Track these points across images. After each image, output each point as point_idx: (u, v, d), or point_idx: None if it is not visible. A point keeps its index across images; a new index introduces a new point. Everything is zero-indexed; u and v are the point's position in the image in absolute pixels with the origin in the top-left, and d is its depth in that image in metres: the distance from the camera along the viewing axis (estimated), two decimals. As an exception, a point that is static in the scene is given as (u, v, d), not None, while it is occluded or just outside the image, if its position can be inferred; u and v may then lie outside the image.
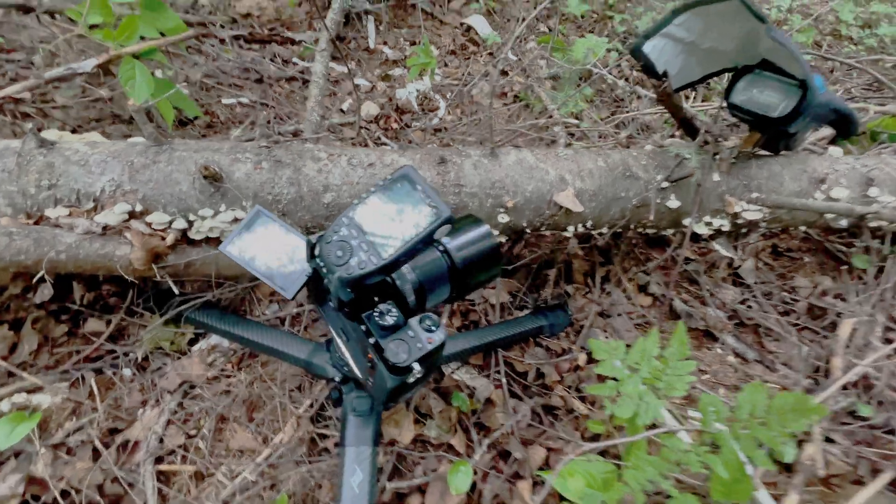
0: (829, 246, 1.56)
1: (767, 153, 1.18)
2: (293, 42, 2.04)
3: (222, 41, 1.88)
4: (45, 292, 1.02)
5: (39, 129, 0.95)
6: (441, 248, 0.70)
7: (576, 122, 1.74)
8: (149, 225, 0.89)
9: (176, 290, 0.96)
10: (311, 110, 1.10)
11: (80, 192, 0.87)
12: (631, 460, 0.81)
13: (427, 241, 0.52)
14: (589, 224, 1.06)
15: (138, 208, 0.88)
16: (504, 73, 2.40)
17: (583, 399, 1.11)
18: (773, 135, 1.10)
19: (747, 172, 1.11)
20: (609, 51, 2.41)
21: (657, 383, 0.86)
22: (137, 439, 0.90)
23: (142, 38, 1.29)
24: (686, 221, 1.11)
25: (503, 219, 1.01)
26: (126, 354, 1.02)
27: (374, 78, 2.17)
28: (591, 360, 1.20)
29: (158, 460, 0.87)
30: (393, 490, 0.85)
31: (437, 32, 2.58)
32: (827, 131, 1.43)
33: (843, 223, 1.23)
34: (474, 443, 0.95)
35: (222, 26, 1.92)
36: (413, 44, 2.43)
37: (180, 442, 0.90)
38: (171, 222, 0.90)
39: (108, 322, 1.05)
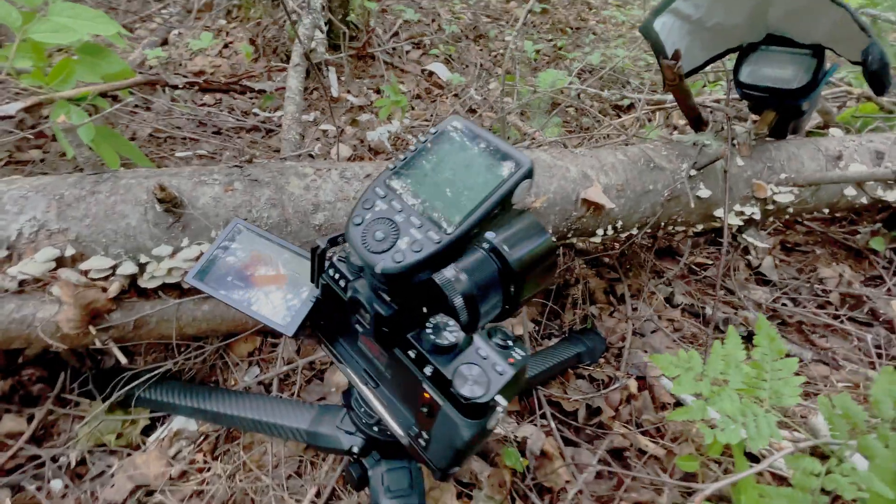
0: (834, 236, 1.52)
1: (773, 140, 1.13)
2: (252, 91, 1.93)
3: (175, 88, 1.73)
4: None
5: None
6: (486, 244, 0.53)
7: (559, 140, 1.68)
8: (84, 274, 0.68)
9: (123, 361, 0.72)
10: (289, 128, 0.95)
11: (-13, 239, 0.65)
12: (748, 499, 0.62)
13: (506, 201, 0.36)
14: (619, 224, 0.93)
15: (69, 252, 0.67)
16: (472, 111, 2.39)
17: (646, 433, 0.91)
18: (784, 116, 1.05)
19: (768, 155, 1.04)
20: (570, 84, 2.47)
21: (758, 393, 0.69)
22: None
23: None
24: (717, 213, 1.01)
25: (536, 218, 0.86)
26: (55, 459, 0.75)
27: (341, 123, 2.08)
28: (642, 387, 1.03)
29: None
30: None
31: (399, 79, 2.57)
32: (818, 119, 1.43)
33: (864, 200, 1.17)
34: (540, 511, 0.73)
35: (175, 86, 1.78)
36: (377, 91, 2.40)
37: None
38: (114, 268, 0.69)
39: (31, 418, 0.78)
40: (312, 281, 0.49)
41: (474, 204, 0.35)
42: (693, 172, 0.95)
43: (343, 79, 2.38)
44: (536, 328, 1.11)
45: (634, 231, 0.96)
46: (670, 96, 1.23)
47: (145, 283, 0.71)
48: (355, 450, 0.60)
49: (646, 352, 1.14)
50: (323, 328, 0.52)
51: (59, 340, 0.67)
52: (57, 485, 0.73)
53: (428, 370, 0.40)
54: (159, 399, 0.79)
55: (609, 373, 1.02)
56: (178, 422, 0.80)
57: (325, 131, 2.05)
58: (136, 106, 1.80)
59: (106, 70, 1.20)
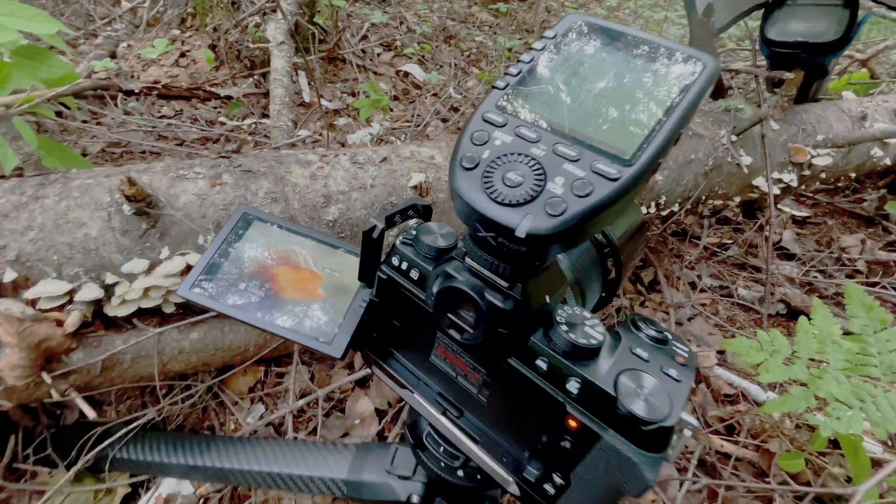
0: (841, 205, 1.49)
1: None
2: (217, 97, 1.76)
3: (129, 95, 1.55)
4: None
5: None
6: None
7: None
8: (32, 304, 0.51)
9: (91, 415, 0.55)
10: (278, 114, 0.80)
11: None
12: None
13: (692, 110, 0.24)
14: (662, 200, 0.84)
15: (9, 277, 0.50)
16: (454, 109, 2.30)
17: (716, 432, 0.81)
18: (808, 77, 1.00)
19: (799, 118, 0.97)
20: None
21: (868, 371, 0.60)
22: None
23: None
24: (757, 181, 0.93)
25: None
26: (2, 556, 0.57)
27: (317, 128, 1.93)
28: (699, 381, 0.92)
29: None
30: None
31: (376, 82, 2.45)
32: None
33: (888, 161, 1.12)
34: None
35: (130, 92, 1.60)
36: (353, 95, 2.28)
37: None
38: (71, 293, 0.53)
39: (-34, 504, 0.60)
40: (362, 278, 0.36)
41: (653, 120, 0.23)
42: (734, 138, 0.86)
43: (315, 83, 2.25)
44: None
45: (675, 207, 0.87)
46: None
47: (114, 310, 0.55)
48: (415, 500, 0.47)
49: (689, 340, 1.04)
50: (375, 342, 0.39)
51: (2, 396, 0.50)
52: (8, 590, 0.55)
53: (573, 385, 0.27)
54: (141, 458, 0.62)
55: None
56: (168, 485, 0.63)
57: (304, 140, 1.91)
58: (84, 121, 1.60)
59: (47, 74, 1.02)
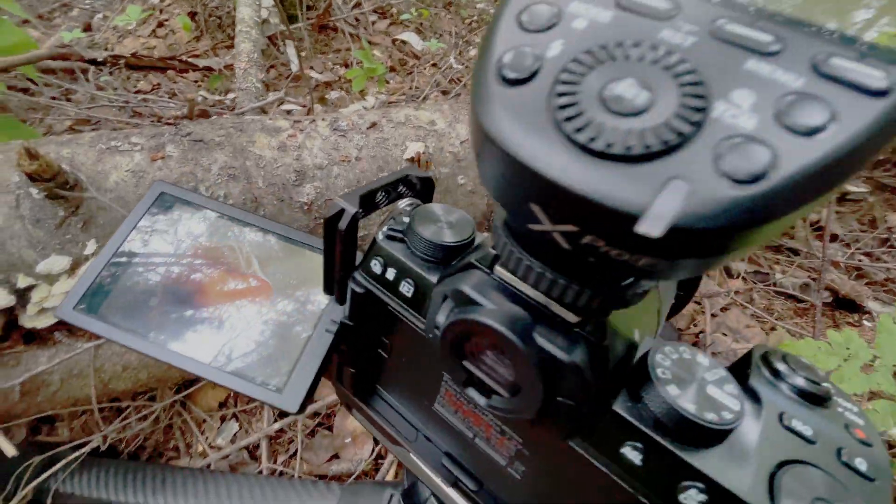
0: (882, 180, 1.36)
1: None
2: (196, 69, 1.61)
3: (93, 64, 1.41)
4: None
5: None
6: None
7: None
8: (-86, 318, 0.39)
9: (10, 451, 0.44)
10: (244, 73, 0.67)
11: None
12: None
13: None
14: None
15: None
16: (456, 80, 2.14)
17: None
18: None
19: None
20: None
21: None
22: None
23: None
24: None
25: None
26: None
27: (307, 102, 1.79)
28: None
29: None
30: None
31: (370, 50, 2.30)
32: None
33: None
34: None
35: (94, 61, 1.46)
36: (345, 66, 2.12)
37: None
38: (-30, 302, 0.41)
39: None
40: (328, 290, 0.23)
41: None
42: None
43: (304, 54, 2.09)
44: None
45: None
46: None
47: (31, 320, 0.43)
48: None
49: (725, 335, 0.92)
50: (354, 378, 0.26)
51: None
52: None
53: (693, 497, 0.15)
54: (88, 493, 0.51)
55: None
56: (120, 524, 0.52)
57: (289, 112, 1.76)
58: (53, 97, 1.47)
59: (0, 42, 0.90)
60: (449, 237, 0.20)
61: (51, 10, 2.20)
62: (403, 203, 0.23)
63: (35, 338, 0.46)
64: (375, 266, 0.21)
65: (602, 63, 0.10)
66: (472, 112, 0.11)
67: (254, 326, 0.25)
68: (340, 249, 0.22)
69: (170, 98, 1.66)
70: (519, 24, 0.11)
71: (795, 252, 1.15)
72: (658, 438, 0.15)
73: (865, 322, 0.96)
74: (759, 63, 0.09)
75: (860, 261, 1.09)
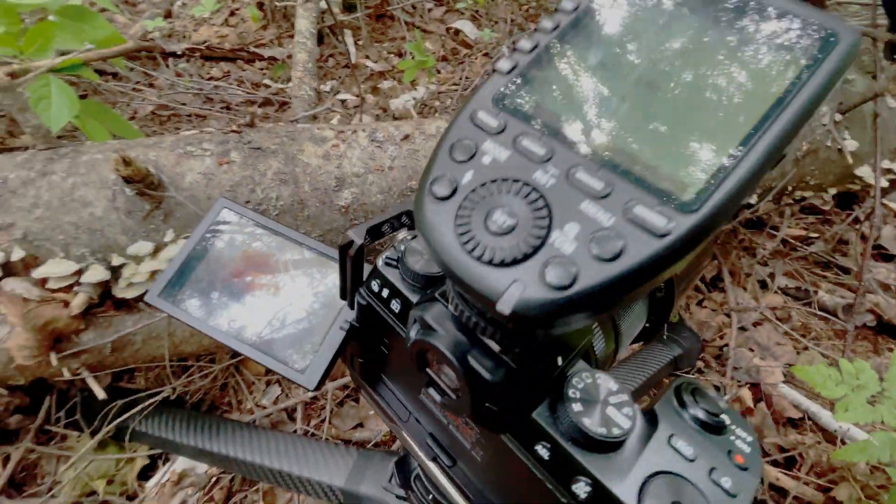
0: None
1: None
2: (262, 59, 1.73)
3: (173, 56, 1.55)
4: None
5: None
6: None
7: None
8: (41, 283, 0.51)
9: (100, 394, 0.55)
10: (299, 82, 0.75)
11: None
12: None
13: (807, 116, 0.15)
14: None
15: (17, 256, 0.49)
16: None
17: (774, 462, 0.70)
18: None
19: (930, 91, 0.77)
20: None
21: None
22: None
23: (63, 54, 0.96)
24: (861, 171, 0.76)
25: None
26: (34, 513, 0.60)
27: (361, 92, 1.87)
28: (756, 397, 0.81)
29: None
30: None
31: (423, 40, 2.33)
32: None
33: None
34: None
35: (174, 54, 1.60)
36: (399, 55, 2.18)
37: None
38: (79, 274, 0.51)
39: (6, 459, 0.63)
40: (343, 296, 0.30)
41: (737, 137, 0.14)
42: (838, 117, 0.70)
43: (361, 42, 2.17)
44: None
45: (754, 199, 0.73)
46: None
47: (122, 291, 0.54)
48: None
49: (752, 350, 0.92)
50: (364, 366, 0.33)
51: (14, 373, 0.51)
52: (37, 546, 0.58)
53: (581, 487, 0.20)
54: (158, 434, 0.63)
55: (713, 380, 0.81)
56: (183, 461, 0.64)
57: (343, 101, 1.85)
58: (138, 82, 1.63)
59: (91, 36, 1.02)
60: (429, 269, 0.25)
61: (137, -5, 2.38)
62: (402, 234, 0.29)
63: (124, 305, 0.57)
64: (374, 285, 0.27)
65: (494, 193, 0.15)
66: (414, 211, 0.16)
67: (286, 318, 0.33)
68: (350, 269, 0.28)
69: (238, 85, 1.80)
70: (449, 154, 0.16)
71: (846, 270, 1.10)
72: (561, 442, 0.20)
73: (913, 351, 0.91)
74: (589, 204, 0.14)
75: (916, 285, 1.03)
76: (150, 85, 1.69)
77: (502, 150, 0.16)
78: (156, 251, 0.53)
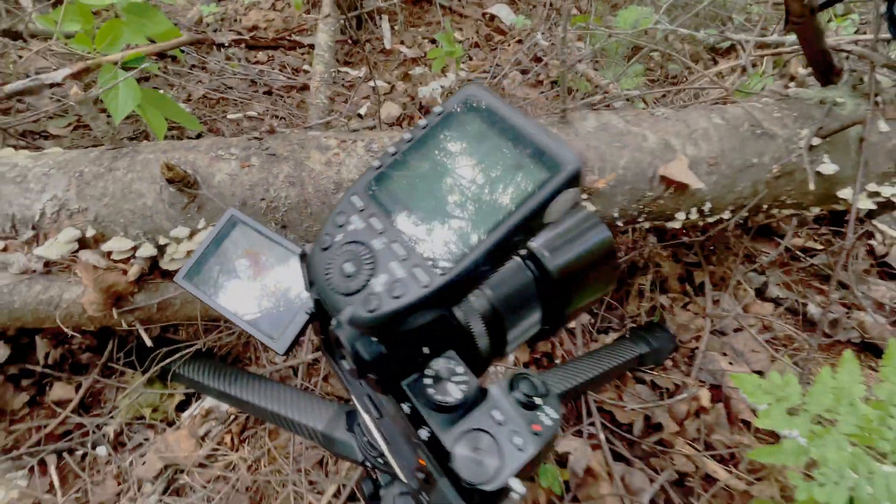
0: None
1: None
2: (302, 46, 1.84)
3: (224, 46, 1.70)
4: (0, 353, 0.79)
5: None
6: (523, 250, 0.41)
7: (636, 93, 1.43)
8: (107, 255, 0.66)
9: (149, 342, 0.71)
10: (316, 91, 0.85)
11: (14, 217, 0.64)
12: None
13: (534, 221, 0.24)
14: (707, 207, 0.75)
15: (90, 233, 0.64)
16: (537, 59, 2.14)
17: (717, 457, 0.78)
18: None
19: (927, 117, 0.78)
20: (656, 23, 2.13)
21: (879, 444, 0.53)
22: (104, 554, 0.64)
23: (129, 46, 1.11)
24: (843, 193, 0.78)
25: (588, 208, 0.72)
26: (99, 428, 0.78)
27: (392, 79, 1.95)
28: (716, 398, 0.87)
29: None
30: None
31: (457, 26, 2.36)
32: None
33: None
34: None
35: (222, 45, 1.74)
36: (433, 42, 2.23)
37: (160, 556, 0.64)
38: (134, 249, 0.66)
39: (78, 386, 0.81)
40: (307, 290, 0.41)
41: (484, 229, 0.24)
42: (816, 141, 0.73)
43: (396, 27, 2.23)
44: (592, 320, 0.98)
45: (726, 215, 0.78)
46: (790, 38, 0.97)
47: (166, 265, 0.68)
48: (368, 464, 0.54)
49: (725, 354, 0.97)
50: (324, 341, 0.45)
51: (86, 321, 0.67)
52: (101, 452, 0.76)
53: (424, 433, 0.31)
54: (192, 377, 0.79)
55: (677, 379, 0.88)
56: (210, 401, 0.80)
57: (374, 88, 1.94)
58: (193, 66, 1.79)
59: (152, 30, 1.16)
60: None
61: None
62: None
63: (167, 275, 0.71)
64: (317, 287, 0.38)
65: (349, 250, 0.25)
66: (308, 254, 0.27)
67: (269, 300, 0.44)
68: (307, 272, 0.39)
69: (280, 70, 1.93)
70: (333, 220, 0.27)
71: (845, 286, 1.11)
72: (416, 403, 0.31)
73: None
74: (395, 264, 0.24)
75: (912, 305, 1.03)
76: (203, 68, 1.84)
77: (361, 223, 0.26)
78: (191, 235, 0.66)
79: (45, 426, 0.77)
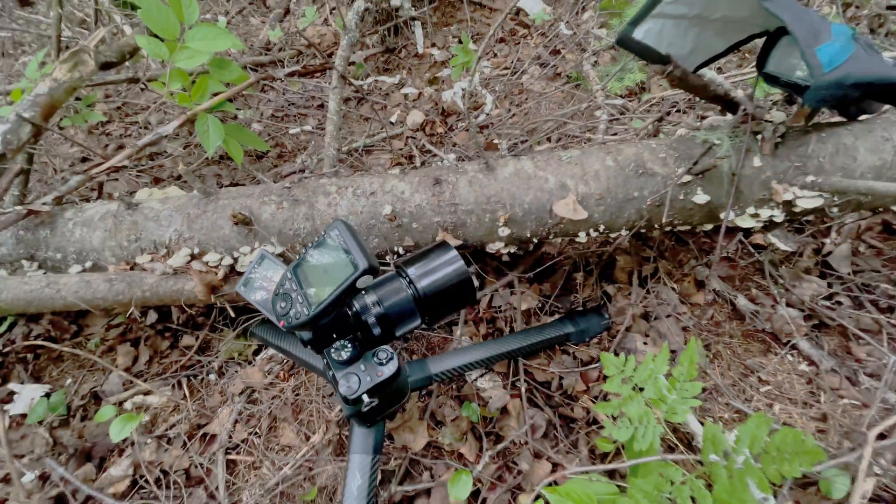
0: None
1: (841, 119, 0.97)
2: (349, 64, 2.18)
3: (278, 80, 2.09)
4: (153, 316, 1.31)
5: (132, 192, 1.22)
6: (406, 278, 0.75)
7: (619, 101, 1.59)
8: (205, 264, 1.10)
9: (232, 314, 1.16)
10: (328, 145, 1.21)
11: (155, 241, 1.10)
12: (630, 487, 0.78)
13: (349, 292, 0.58)
14: (602, 228, 1.00)
15: (196, 251, 1.08)
16: (556, 51, 2.28)
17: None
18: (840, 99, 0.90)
19: (803, 151, 0.93)
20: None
21: (660, 406, 0.80)
22: (214, 433, 1.12)
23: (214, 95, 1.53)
24: (724, 215, 0.98)
25: (504, 232, 1.01)
26: (210, 363, 1.27)
27: (422, 84, 2.23)
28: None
29: (227, 451, 1.09)
30: (402, 493, 0.94)
31: (486, 22, 2.53)
32: None
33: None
34: (483, 452, 0.99)
35: (281, 63, 2.13)
36: (461, 41, 2.43)
37: (243, 437, 1.11)
38: (221, 260, 1.09)
39: (197, 337, 1.31)
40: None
41: (327, 293, 0.58)
42: (687, 178, 0.94)
43: (428, 31, 2.46)
44: (541, 305, 1.27)
45: (623, 232, 1.02)
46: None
47: (240, 268, 1.11)
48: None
49: (647, 335, 1.21)
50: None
51: (196, 303, 1.13)
52: (212, 378, 1.25)
53: (330, 373, 0.67)
54: (260, 335, 1.24)
55: (593, 353, 1.16)
56: (271, 351, 1.25)
57: (406, 95, 2.25)
58: (263, 88, 2.23)
59: (228, 78, 1.57)
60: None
61: (242, 9, 2.92)
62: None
63: (241, 274, 1.14)
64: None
65: (284, 296, 0.61)
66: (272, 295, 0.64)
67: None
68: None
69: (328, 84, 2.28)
70: (281, 281, 0.63)
71: (779, 280, 1.26)
72: (328, 359, 0.68)
73: (790, 357, 1.12)
74: (299, 305, 0.60)
75: (837, 303, 1.17)
76: (272, 88, 2.27)
77: (288, 285, 0.62)
78: (251, 251, 1.08)
79: (179, 361, 1.28)
